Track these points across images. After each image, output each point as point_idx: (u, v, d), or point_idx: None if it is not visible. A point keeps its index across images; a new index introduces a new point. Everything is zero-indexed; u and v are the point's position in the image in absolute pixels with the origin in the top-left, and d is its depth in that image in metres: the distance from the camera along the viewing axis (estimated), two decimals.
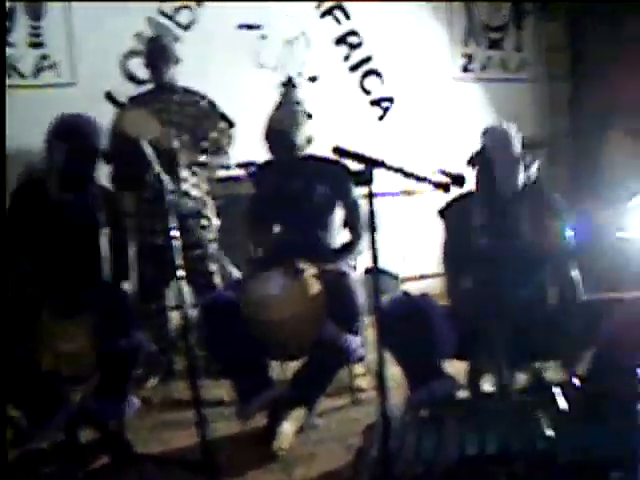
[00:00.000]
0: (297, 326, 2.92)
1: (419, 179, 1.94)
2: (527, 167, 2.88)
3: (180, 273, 2.26)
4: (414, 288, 3.97)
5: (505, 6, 6.29)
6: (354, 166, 1.87)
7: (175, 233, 2.24)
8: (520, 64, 6.42)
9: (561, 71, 6.54)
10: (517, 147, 2.86)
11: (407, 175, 1.90)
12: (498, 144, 2.85)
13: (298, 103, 3.42)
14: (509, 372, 2.76)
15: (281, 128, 3.26)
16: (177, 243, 2.25)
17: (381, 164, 1.81)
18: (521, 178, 2.87)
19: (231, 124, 4.05)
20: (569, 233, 2.88)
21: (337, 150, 1.80)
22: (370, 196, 1.80)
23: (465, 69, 6.10)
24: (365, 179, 1.80)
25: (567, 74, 6.53)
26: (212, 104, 4.00)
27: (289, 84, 3.68)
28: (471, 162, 2.86)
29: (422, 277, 5.49)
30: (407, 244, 5.53)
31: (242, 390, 3.04)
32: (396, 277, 5.05)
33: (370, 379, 3.53)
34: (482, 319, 2.72)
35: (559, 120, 6.54)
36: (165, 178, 2.34)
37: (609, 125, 6.01)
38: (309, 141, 3.31)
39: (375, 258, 1.83)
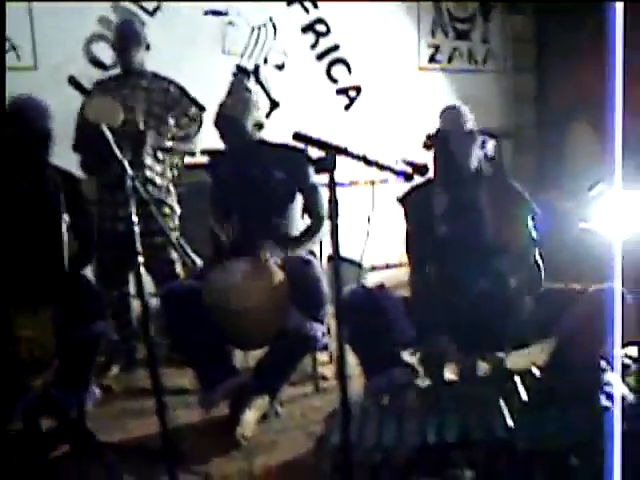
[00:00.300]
0: (260, 314, 2.90)
1: (381, 167, 1.93)
2: (483, 145, 2.89)
3: (140, 260, 2.23)
4: (379, 277, 4.00)
5: None
6: (316, 153, 1.86)
7: (135, 220, 2.21)
8: (487, 55, 6.47)
9: (527, 63, 6.61)
10: (469, 124, 2.87)
11: (369, 163, 1.88)
12: (450, 122, 2.86)
13: (248, 90, 3.38)
14: (470, 360, 2.79)
15: (229, 114, 3.22)
16: (137, 230, 2.22)
17: (343, 151, 1.79)
18: (476, 155, 2.88)
19: (202, 108, 4.01)
20: (531, 221, 2.90)
21: (297, 136, 1.78)
22: (332, 183, 1.79)
23: (432, 59, 6.13)
24: (327, 166, 1.78)
25: (533, 66, 6.60)
26: (182, 90, 3.94)
27: (240, 72, 3.66)
28: (427, 144, 2.87)
29: (388, 266, 5.52)
30: (373, 233, 5.54)
31: (205, 378, 3.03)
32: (360, 265, 5.06)
33: (334, 367, 3.54)
34: (443, 307, 2.74)
35: (524, 111, 6.61)
36: (126, 164, 2.31)
37: (573, 117, 6.08)
38: (260, 127, 3.27)
39: (336, 247, 1.82)
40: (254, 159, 3.28)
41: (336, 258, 1.82)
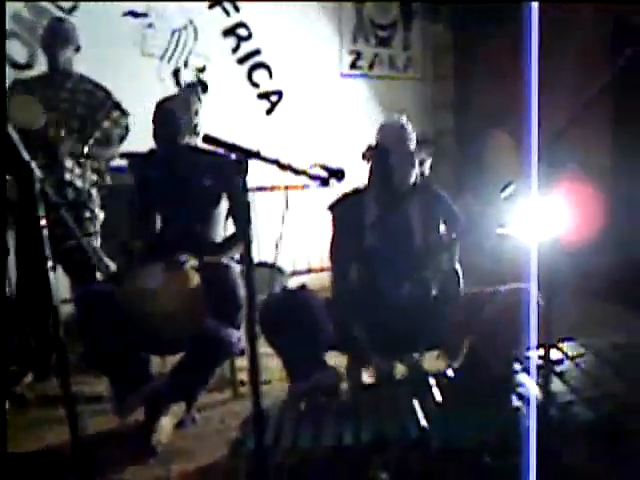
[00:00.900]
0: (177, 320, 2.87)
1: (296, 172, 1.93)
2: (421, 163, 2.93)
3: (49, 265, 2.18)
4: (301, 282, 3.99)
5: (394, 5, 6.41)
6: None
7: (43, 223, 2.15)
8: (407, 63, 6.56)
9: (446, 71, 6.73)
10: (413, 143, 2.91)
11: (283, 167, 1.89)
12: (395, 139, 2.88)
13: (197, 98, 3.38)
14: (388, 363, 2.82)
15: (167, 114, 3.21)
16: (46, 234, 2.17)
17: (255, 155, 1.80)
18: (414, 174, 2.91)
19: (125, 114, 3.94)
20: (453, 228, 2.95)
21: (208, 139, 1.77)
22: (244, 187, 1.79)
23: (353, 66, 6.18)
24: (239, 169, 1.78)
25: (451, 74, 6.73)
26: (107, 93, 3.88)
27: (195, 86, 3.64)
28: (365, 156, 2.88)
29: (310, 271, 5.53)
30: (296, 238, 5.55)
31: (120, 385, 2.98)
32: (282, 271, 5.07)
33: None
34: (363, 311, 2.76)
35: (444, 118, 6.73)
36: (34, 167, 2.24)
37: (491, 124, 6.22)
38: (196, 133, 3.26)
39: (248, 250, 1.81)
40: (182, 162, 3.26)
41: (248, 261, 1.81)
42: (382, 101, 6.22)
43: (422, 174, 2.97)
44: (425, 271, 2.89)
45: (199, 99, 3.37)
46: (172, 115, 3.22)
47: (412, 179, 2.91)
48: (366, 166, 2.93)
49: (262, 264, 4.65)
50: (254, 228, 4.43)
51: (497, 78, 6.03)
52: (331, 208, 3.03)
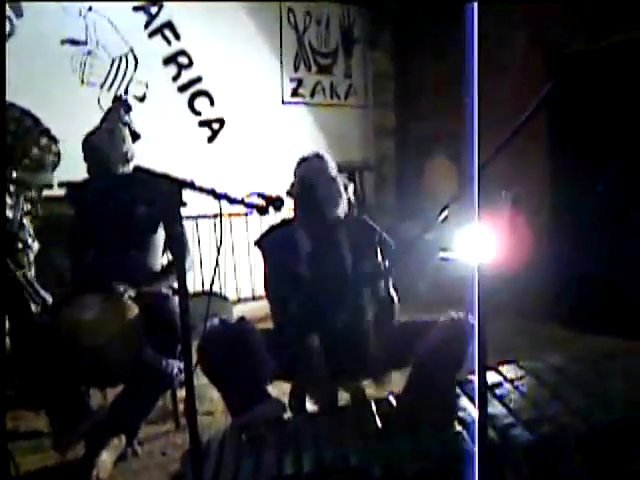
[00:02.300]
0: (115, 351, 2.83)
1: (232, 201, 1.93)
2: (345, 189, 2.93)
3: None
4: (246, 309, 3.98)
5: (334, 33, 6.48)
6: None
7: None
8: (349, 90, 6.63)
9: (387, 98, 6.82)
10: (334, 173, 2.90)
11: (219, 197, 1.88)
12: (314, 171, 2.87)
13: (122, 122, 3.35)
14: (329, 391, 2.81)
15: (95, 144, 3.20)
16: None
17: (189, 185, 1.79)
18: (341, 202, 2.90)
19: (54, 140, 3.88)
20: (383, 254, 2.96)
21: (139, 169, 1.76)
22: (178, 218, 1.78)
23: (295, 93, 6.22)
24: (172, 200, 1.77)
25: (392, 101, 6.82)
26: (35, 119, 3.81)
27: (118, 103, 3.60)
28: (290, 193, 2.87)
29: (254, 298, 5.51)
30: (240, 266, 5.53)
31: (59, 420, 2.91)
32: (226, 298, 5.04)
33: (196, 403, 3.47)
34: (303, 342, 2.75)
35: (384, 145, 6.81)
36: None
37: (432, 150, 6.32)
38: (128, 160, 3.24)
39: (182, 282, 1.79)
40: (117, 192, 3.23)
41: (182, 292, 1.79)
42: (324, 128, 6.27)
43: (349, 201, 2.96)
44: (360, 300, 2.89)
45: (126, 123, 3.34)
46: (99, 149, 3.22)
47: (340, 207, 2.89)
48: (291, 202, 2.90)
49: (204, 293, 4.62)
50: (196, 256, 4.42)
51: (438, 105, 6.14)
52: (259, 243, 2.99)
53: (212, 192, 1.86)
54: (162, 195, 2.98)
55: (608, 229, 4.81)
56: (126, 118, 3.45)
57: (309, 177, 2.86)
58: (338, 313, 2.81)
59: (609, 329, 4.28)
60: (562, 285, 5.09)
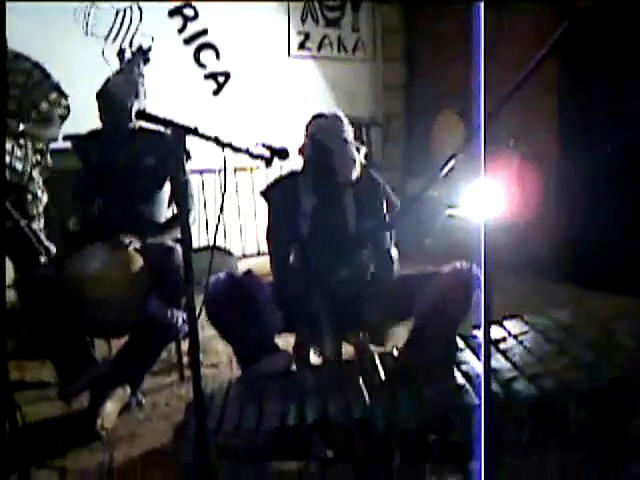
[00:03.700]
0: (119, 302, 2.84)
1: (236, 150, 1.91)
2: (358, 151, 2.88)
3: None
4: (250, 264, 3.97)
5: None
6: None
7: None
8: (356, 44, 6.53)
9: (396, 52, 6.72)
10: (350, 137, 2.83)
11: (223, 145, 1.86)
12: (330, 135, 2.78)
13: (140, 74, 3.32)
14: (334, 344, 2.81)
15: (116, 92, 3.16)
16: None
17: (193, 131, 1.76)
18: (354, 165, 2.82)
19: (64, 95, 3.84)
20: (387, 211, 2.93)
21: (142, 115, 1.73)
22: (181, 165, 1.75)
23: (302, 46, 6.13)
24: (176, 147, 1.74)
25: (401, 55, 6.72)
26: (46, 73, 3.77)
27: (137, 54, 3.55)
28: (302, 151, 2.82)
29: (259, 254, 5.51)
30: (245, 221, 5.53)
31: (64, 370, 2.93)
32: (230, 253, 5.04)
33: (201, 355, 3.49)
34: (306, 296, 2.75)
35: (393, 100, 6.72)
36: None
37: (441, 105, 6.24)
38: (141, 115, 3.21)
39: (186, 231, 1.77)
40: (127, 143, 3.22)
41: (185, 242, 1.77)
42: (331, 82, 6.20)
43: (360, 164, 2.91)
44: (362, 253, 2.88)
45: (140, 74, 3.30)
46: (116, 97, 3.17)
47: (352, 172, 2.82)
48: (300, 159, 2.86)
49: (209, 247, 4.61)
50: (201, 211, 4.40)
51: (447, 59, 6.05)
52: (264, 193, 2.96)
53: (216, 140, 1.83)
54: (167, 144, 3.00)
55: (625, 187, 4.71)
56: (143, 70, 3.42)
57: (324, 138, 2.77)
58: (340, 266, 2.80)
59: (626, 288, 4.24)
60: (578, 244, 5.02)
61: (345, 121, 2.84)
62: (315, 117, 2.86)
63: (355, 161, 2.83)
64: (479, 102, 1.55)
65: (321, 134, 2.78)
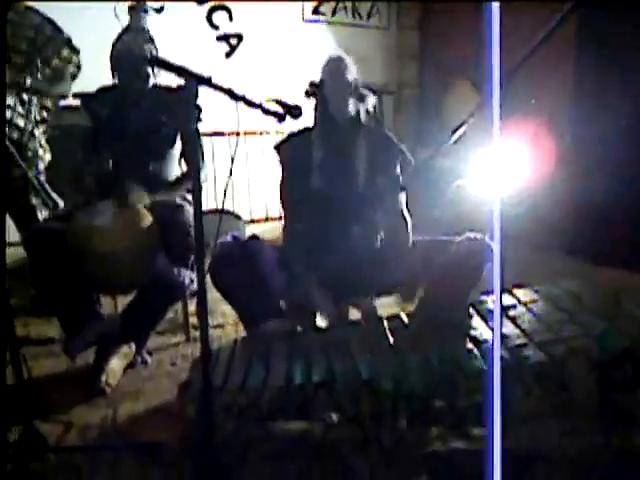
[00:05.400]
0: (127, 259, 2.82)
1: (250, 104, 1.88)
2: (362, 98, 2.85)
3: None
4: (259, 230, 3.96)
5: None
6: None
7: None
8: (371, 11, 6.45)
9: (411, 20, 6.64)
10: (350, 75, 2.80)
11: (236, 98, 1.83)
12: (330, 72, 2.79)
13: (146, 29, 3.27)
14: (340, 307, 2.80)
15: (132, 51, 3.13)
16: None
17: (206, 81, 1.73)
18: (353, 105, 2.81)
19: (76, 51, 3.79)
20: (401, 170, 2.90)
21: (156, 61, 1.70)
22: (194, 117, 1.72)
23: (316, 11, 6.05)
24: (189, 96, 1.71)
25: (416, 24, 6.64)
26: (57, 28, 3.70)
27: (138, 6, 3.49)
28: (308, 93, 2.81)
29: (267, 219, 5.50)
30: (254, 186, 5.50)
31: (69, 325, 2.92)
32: (239, 217, 5.02)
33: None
34: (315, 256, 2.73)
35: (407, 68, 6.66)
36: None
37: (455, 75, 6.17)
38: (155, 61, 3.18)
39: (197, 190, 1.75)
40: (141, 101, 3.19)
41: (196, 202, 1.75)
42: (345, 49, 6.07)
43: (367, 112, 2.89)
44: (372, 213, 2.85)
45: (147, 29, 3.26)
46: (132, 57, 3.13)
47: (350, 108, 2.80)
48: (311, 103, 2.85)
49: (218, 210, 4.58)
50: (210, 173, 4.37)
51: (462, 29, 5.97)
52: (277, 148, 2.94)
53: (229, 92, 1.80)
54: (180, 99, 2.96)
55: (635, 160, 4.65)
56: (146, 24, 3.36)
57: (323, 78, 2.79)
58: (350, 225, 2.79)
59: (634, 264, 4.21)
60: (586, 218, 4.97)
61: (347, 62, 2.82)
62: (326, 60, 2.86)
63: (349, 99, 2.79)
64: (491, 66, 1.52)
65: (325, 73, 2.80)
